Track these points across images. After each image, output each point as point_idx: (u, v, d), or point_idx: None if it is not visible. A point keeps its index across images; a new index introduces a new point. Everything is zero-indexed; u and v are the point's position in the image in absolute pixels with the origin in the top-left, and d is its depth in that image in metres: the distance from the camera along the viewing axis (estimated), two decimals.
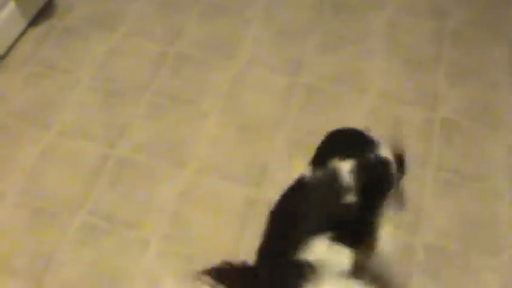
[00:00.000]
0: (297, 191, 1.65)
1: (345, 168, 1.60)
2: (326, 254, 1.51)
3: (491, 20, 2.80)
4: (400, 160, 1.79)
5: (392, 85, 2.46)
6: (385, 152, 1.68)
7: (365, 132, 1.75)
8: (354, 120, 2.31)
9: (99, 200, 2.02)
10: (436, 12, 2.81)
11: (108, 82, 2.35)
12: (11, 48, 2.46)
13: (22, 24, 2.50)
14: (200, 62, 2.44)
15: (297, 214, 1.58)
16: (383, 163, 1.66)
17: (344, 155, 1.62)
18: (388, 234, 1.85)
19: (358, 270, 1.64)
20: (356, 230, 1.58)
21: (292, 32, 2.62)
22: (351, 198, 1.56)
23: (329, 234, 1.52)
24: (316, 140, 2.11)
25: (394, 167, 1.68)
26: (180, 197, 2.04)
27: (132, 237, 1.95)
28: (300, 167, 1.71)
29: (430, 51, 2.62)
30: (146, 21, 2.60)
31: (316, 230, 1.53)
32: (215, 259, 1.49)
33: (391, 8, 2.80)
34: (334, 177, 1.59)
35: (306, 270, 1.47)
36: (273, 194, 1.70)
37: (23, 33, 2.52)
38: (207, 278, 1.53)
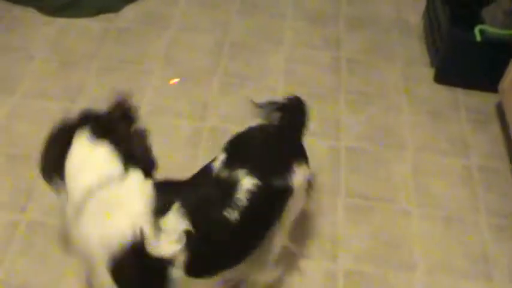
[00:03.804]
0: None
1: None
2: None
3: (384, 47, 2.93)
4: None
5: None
6: None
7: None
8: None
9: (12, 268, 1.96)
10: (331, 43, 2.92)
11: (10, 146, 2.30)
12: None
13: None
14: None
15: None
16: None
17: None
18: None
19: None
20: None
21: (194, 75, 2.66)
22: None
23: None
24: None
25: None
26: None
27: None
28: None
29: (329, 81, 2.71)
30: (44, 81, 2.56)
31: None
32: None
33: (287, 44, 2.88)
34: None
35: None
36: None
37: None
38: None
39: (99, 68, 2.65)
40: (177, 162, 2.30)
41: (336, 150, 2.41)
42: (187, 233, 1.45)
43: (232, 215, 1.51)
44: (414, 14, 3.09)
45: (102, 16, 2.89)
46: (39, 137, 2.32)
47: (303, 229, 2.10)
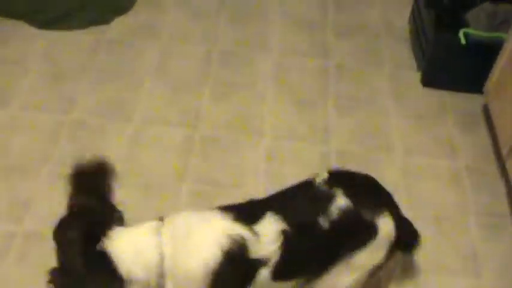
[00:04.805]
0: None
1: None
2: None
3: (371, 52, 2.98)
4: None
5: (285, 125, 2.56)
6: None
7: None
8: (253, 163, 2.39)
9: (8, 279, 1.98)
10: (320, 49, 2.96)
11: (6, 158, 2.33)
12: None
13: None
14: (96, 128, 2.46)
15: None
16: None
17: None
18: None
19: None
20: None
21: (186, 85, 2.69)
22: None
23: None
24: (219, 190, 2.16)
25: None
26: None
27: None
28: None
29: (318, 87, 2.75)
30: (38, 94, 2.60)
31: None
32: None
33: (276, 51, 2.92)
34: None
35: None
36: None
37: None
38: None
39: (91, 79, 2.68)
40: (170, 170, 2.34)
41: (326, 154, 2.45)
42: (284, 232, 1.53)
43: (323, 223, 1.58)
44: (400, 19, 3.14)
45: (93, 28, 2.92)
46: (35, 148, 2.37)
47: None
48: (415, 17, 2.95)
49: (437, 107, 2.70)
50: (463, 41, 2.56)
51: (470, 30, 2.58)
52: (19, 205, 2.17)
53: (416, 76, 2.82)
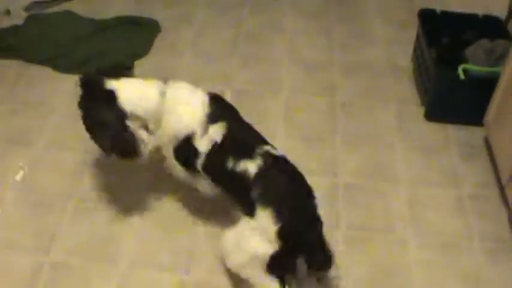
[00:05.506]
0: None
1: None
2: None
3: (376, 90, 3.09)
4: None
5: (294, 160, 2.66)
6: None
7: None
8: None
9: None
10: (327, 88, 3.09)
11: (33, 194, 2.46)
12: None
13: None
14: (117, 165, 2.56)
15: None
16: None
17: None
18: None
19: None
20: None
21: None
22: None
23: None
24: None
25: None
26: None
27: None
28: None
29: (326, 124, 2.87)
30: (62, 133, 2.74)
31: None
32: None
33: (286, 91, 3.06)
34: None
35: None
36: None
37: None
38: None
39: None
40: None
41: (334, 186, 2.55)
42: (215, 144, 2.08)
43: (229, 164, 2.05)
44: (403, 58, 3.27)
45: None
46: (60, 185, 2.50)
47: None
48: (418, 56, 3.09)
49: (441, 139, 2.81)
50: (462, 77, 2.69)
51: (468, 66, 2.71)
52: (46, 238, 2.29)
53: (419, 111, 2.94)
